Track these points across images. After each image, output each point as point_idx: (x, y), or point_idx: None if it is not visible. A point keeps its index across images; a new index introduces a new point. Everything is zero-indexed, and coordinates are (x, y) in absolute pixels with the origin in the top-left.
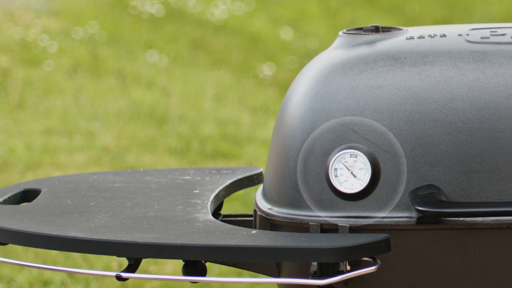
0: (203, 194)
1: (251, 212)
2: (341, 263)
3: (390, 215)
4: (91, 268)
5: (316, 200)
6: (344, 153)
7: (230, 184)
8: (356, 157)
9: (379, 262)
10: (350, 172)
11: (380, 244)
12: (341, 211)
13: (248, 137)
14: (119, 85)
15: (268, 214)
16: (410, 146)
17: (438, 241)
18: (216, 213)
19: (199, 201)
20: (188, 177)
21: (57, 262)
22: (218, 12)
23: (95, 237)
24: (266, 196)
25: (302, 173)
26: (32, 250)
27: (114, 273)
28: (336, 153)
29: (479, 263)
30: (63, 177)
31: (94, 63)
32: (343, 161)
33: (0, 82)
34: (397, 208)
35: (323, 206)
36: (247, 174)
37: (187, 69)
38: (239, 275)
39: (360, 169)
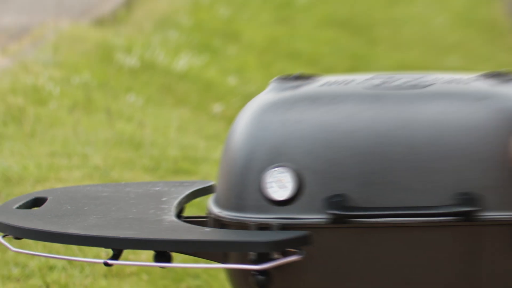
0: (169, 201)
1: (206, 215)
2: (274, 253)
3: (310, 217)
4: (85, 257)
5: (255, 205)
6: (275, 170)
7: (190, 193)
8: (284, 173)
9: (303, 252)
10: (280, 184)
11: (301, 239)
12: (273, 214)
13: (204, 158)
14: (106, 119)
15: (218, 216)
16: (325, 164)
17: (346, 237)
18: (179, 215)
19: (166, 206)
20: (158, 188)
21: (59, 252)
22: (181, 64)
23: (88, 233)
24: (216, 202)
25: (243, 185)
26: (40, 243)
27: (102, 260)
28: (270, 170)
29: (377, 254)
30: (64, 188)
31: (87, 103)
32: (274, 176)
33: (17, 117)
34: (316, 211)
35: (259, 210)
36: (203, 186)
37: (157, 108)
38: (196, 262)
39: (287, 182)
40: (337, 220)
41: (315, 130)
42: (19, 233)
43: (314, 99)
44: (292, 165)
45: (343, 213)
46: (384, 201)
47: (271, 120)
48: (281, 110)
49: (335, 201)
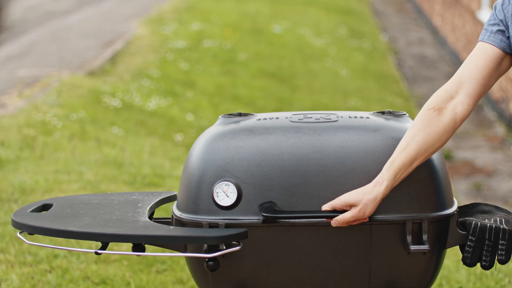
0: (143, 206)
1: (170, 217)
2: (221, 245)
3: (247, 218)
4: (80, 248)
5: (207, 209)
6: (222, 183)
7: (158, 201)
8: (228, 185)
9: (241, 244)
10: (225, 194)
11: (241, 234)
12: (220, 216)
13: (168, 174)
14: (96, 146)
15: (180, 217)
16: (258, 179)
17: (275, 233)
18: (150, 217)
19: (141, 210)
20: (135, 197)
21: (62, 244)
22: (152, 105)
23: (83, 230)
24: (178, 207)
25: (198, 194)
26: (47, 238)
27: (94, 250)
28: (217, 183)
29: (297, 245)
30: (65, 197)
31: (82, 134)
32: (221, 188)
33: (30, 144)
34: (252, 214)
35: (210, 213)
36: (168, 195)
37: (134, 137)
38: (163, 251)
39: (230, 192)
40: (267, 221)
41: (252, 154)
42: (31, 230)
43: (251, 131)
44: (234, 179)
45: (272, 215)
46: (302, 206)
47: (219, 146)
48: (226, 139)
49: (266, 207)
